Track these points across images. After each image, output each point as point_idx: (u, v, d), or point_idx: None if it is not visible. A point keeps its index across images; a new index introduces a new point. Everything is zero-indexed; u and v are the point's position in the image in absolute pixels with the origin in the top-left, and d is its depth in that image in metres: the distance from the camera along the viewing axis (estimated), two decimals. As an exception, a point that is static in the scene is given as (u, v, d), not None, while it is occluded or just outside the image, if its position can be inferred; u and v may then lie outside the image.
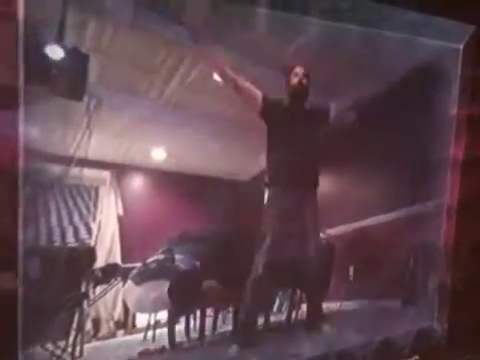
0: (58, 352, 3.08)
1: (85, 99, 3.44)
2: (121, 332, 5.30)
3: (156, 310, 3.74)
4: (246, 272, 2.83)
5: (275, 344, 2.85)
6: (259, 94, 2.90)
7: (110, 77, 4.01)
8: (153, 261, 3.45)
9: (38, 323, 2.17)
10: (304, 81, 2.94)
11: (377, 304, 3.78)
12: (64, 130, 4.61)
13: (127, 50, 3.74)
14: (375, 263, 3.89)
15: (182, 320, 3.87)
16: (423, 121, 2.88)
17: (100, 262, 4.38)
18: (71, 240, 5.50)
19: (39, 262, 2.90)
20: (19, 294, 1.68)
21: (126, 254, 5.47)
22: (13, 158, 1.68)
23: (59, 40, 3.00)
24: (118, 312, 5.33)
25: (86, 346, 3.68)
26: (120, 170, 5.99)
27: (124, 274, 3.64)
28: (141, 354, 3.31)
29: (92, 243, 5.48)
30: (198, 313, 3.69)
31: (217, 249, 3.66)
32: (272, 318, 3.94)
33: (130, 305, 3.61)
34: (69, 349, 3.19)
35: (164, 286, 3.14)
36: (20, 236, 1.69)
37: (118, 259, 5.45)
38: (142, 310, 3.93)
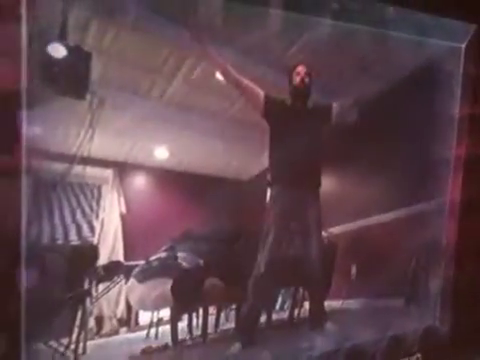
0: (61, 349, 3.09)
1: (88, 98, 3.46)
2: (124, 329, 5.33)
3: (159, 308, 3.75)
4: (249, 270, 2.83)
5: (278, 342, 2.85)
6: (261, 93, 2.89)
7: (112, 76, 4.03)
8: (156, 259, 3.45)
9: (41, 320, 2.18)
10: (306, 80, 2.94)
11: (380, 302, 3.78)
12: (67, 129, 4.63)
13: (129, 49, 3.75)
14: (378, 262, 3.89)
15: (185, 318, 3.88)
16: (425, 120, 2.88)
17: (103, 260, 4.41)
18: (74, 238, 5.53)
19: (42, 260, 2.92)
20: (22, 291, 1.69)
21: (129, 252, 5.49)
22: (16, 157, 1.69)
23: (62, 39, 3.00)
24: (121, 310, 5.36)
25: (89, 343, 3.71)
26: (123, 169, 6.01)
27: (127, 272, 3.65)
28: (144, 351, 3.32)
29: (95, 241, 5.50)
30: (201, 311, 3.70)
31: (220, 247, 3.67)
32: (274, 316, 3.94)
33: (133, 303, 3.61)
34: (72, 346, 3.19)
35: (167, 284, 3.15)
36: (23, 234, 1.70)
37: (121, 257, 5.47)
38: (145, 308, 3.94)
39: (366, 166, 4.38)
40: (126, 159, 5.94)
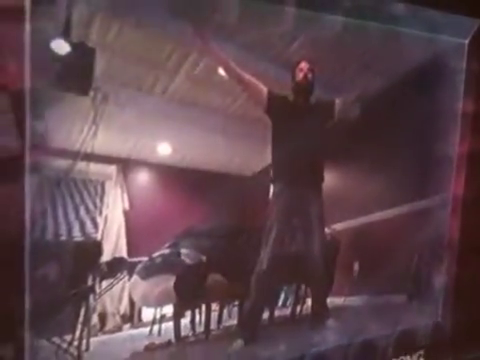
0: (64, 345, 3.09)
1: (91, 94, 3.46)
2: (127, 326, 5.32)
3: (162, 304, 3.76)
4: (251, 266, 2.84)
5: (279, 338, 2.85)
6: (264, 89, 2.89)
7: (116, 72, 4.02)
8: (159, 255, 3.46)
9: (45, 317, 2.19)
10: (309, 76, 2.94)
11: (382, 299, 3.77)
12: (70, 125, 4.63)
13: (133, 45, 3.75)
14: (380, 258, 3.88)
15: (188, 314, 3.89)
16: (428, 116, 2.87)
17: (106, 256, 4.40)
18: (77, 234, 5.52)
19: (46, 256, 2.92)
20: (26, 288, 1.70)
21: (132, 248, 5.48)
22: (19, 153, 1.69)
23: (65, 35, 3.00)
24: (124, 306, 5.35)
25: (92, 340, 3.71)
26: (126, 165, 5.99)
27: (130, 268, 3.66)
28: (147, 348, 3.33)
29: (98, 237, 5.50)
30: (203, 307, 3.71)
31: (223, 244, 3.68)
32: (277, 312, 3.95)
33: (136, 299, 3.63)
34: (75, 343, 3.20)
35: (170, 280, 3.16)
36: (27, 231, 1.71)
37: (124, 253, 5.47)
38: (148, 304, 3.95)
39: (369, 162, 4.36)
40: (129, 155, 5.93)
